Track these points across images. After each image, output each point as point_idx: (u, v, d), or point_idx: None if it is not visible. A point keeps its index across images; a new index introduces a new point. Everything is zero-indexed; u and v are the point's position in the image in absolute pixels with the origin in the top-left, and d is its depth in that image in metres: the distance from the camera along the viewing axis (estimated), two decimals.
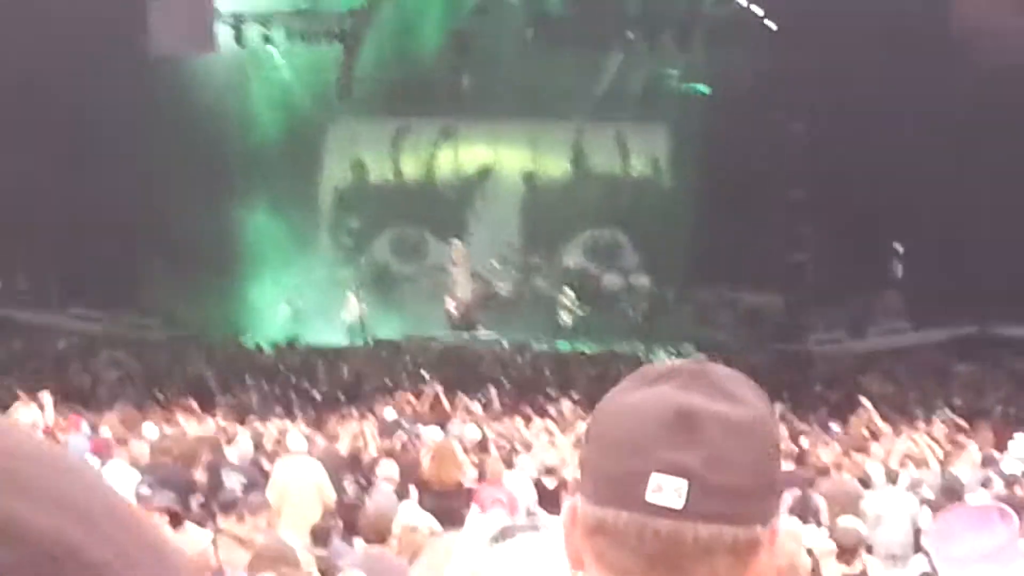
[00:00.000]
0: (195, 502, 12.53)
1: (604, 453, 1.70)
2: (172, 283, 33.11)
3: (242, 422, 18.75)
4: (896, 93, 30.78)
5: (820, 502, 12.83)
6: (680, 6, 35.11)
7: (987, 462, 15.75)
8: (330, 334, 32.72)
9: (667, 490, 1.66)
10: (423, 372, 25.83)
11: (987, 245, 30.00)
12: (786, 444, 16.88)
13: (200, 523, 10.56)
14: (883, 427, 18.99)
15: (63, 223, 32.02)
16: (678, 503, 1.65)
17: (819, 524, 11.73)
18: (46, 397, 17.71)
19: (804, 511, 12.26)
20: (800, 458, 15.99)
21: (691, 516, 1.65)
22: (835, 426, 20.56)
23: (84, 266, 32.50)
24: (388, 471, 13.79)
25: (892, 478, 14.57)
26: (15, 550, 0.79)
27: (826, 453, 16.44)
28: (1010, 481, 14.45)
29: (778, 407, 21.58)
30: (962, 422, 19.68)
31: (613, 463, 1.69)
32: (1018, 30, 22.55)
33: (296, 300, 34.56)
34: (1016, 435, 17.49)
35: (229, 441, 16.26)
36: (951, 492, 13.32)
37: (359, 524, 10.14)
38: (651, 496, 1.66)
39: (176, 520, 10.18)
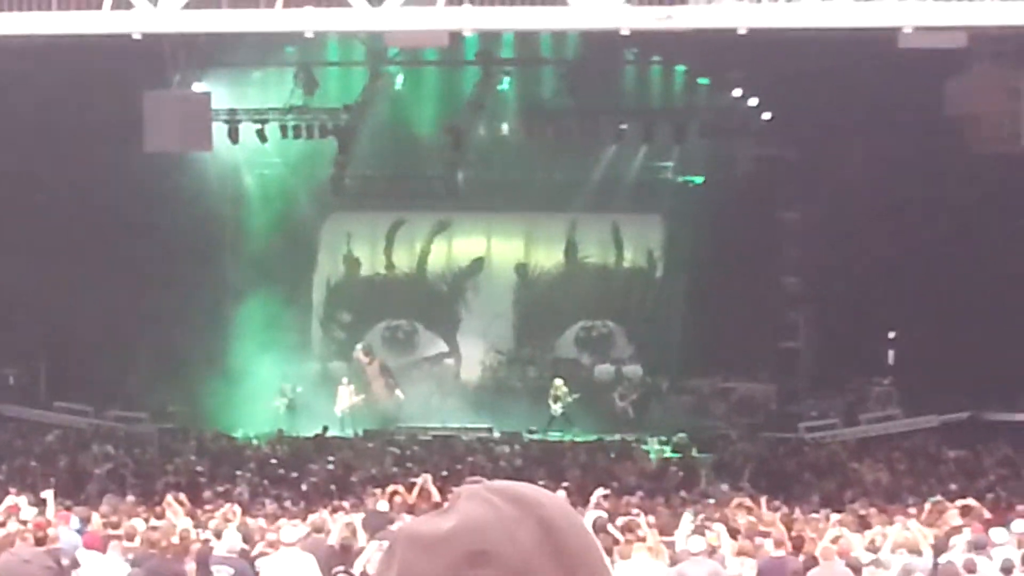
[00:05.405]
0: None
1: None
2: (161, 376, 33.12)
3: (231, 515, 18.66)
4: (888, 183, 31.02)
5: None
6: (673, 97, 35.38)
7: (978, 546, 15.68)
8: (320, 426, 32.32)
9: None
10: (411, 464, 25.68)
11: (976, 332, 30.05)
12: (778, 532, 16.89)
13: None
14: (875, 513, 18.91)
15: (50, 318, 32.08)
16: None
17: None
18: (48, 494, 17.72)
19: None
20: (793, 546, 15.94)
21: None
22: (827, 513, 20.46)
23: (72, 360, 32.50)
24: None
25: (885, 564, 14.54)
26: None
27: (819, 540, 16.34)
28: (1005, 567, 14.41)
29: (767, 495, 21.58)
30: (953, 507, 19.58)
31: None
32: (1011, 114, 22.71)
33: (288, 393, 34.31)
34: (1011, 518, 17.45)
35: (218, 534, 16.16)
36: None
37: None
38: None
39: None
